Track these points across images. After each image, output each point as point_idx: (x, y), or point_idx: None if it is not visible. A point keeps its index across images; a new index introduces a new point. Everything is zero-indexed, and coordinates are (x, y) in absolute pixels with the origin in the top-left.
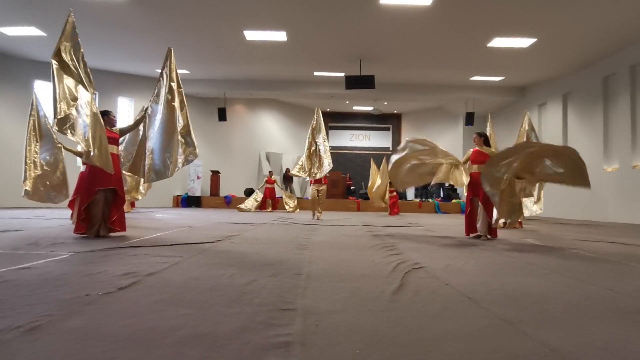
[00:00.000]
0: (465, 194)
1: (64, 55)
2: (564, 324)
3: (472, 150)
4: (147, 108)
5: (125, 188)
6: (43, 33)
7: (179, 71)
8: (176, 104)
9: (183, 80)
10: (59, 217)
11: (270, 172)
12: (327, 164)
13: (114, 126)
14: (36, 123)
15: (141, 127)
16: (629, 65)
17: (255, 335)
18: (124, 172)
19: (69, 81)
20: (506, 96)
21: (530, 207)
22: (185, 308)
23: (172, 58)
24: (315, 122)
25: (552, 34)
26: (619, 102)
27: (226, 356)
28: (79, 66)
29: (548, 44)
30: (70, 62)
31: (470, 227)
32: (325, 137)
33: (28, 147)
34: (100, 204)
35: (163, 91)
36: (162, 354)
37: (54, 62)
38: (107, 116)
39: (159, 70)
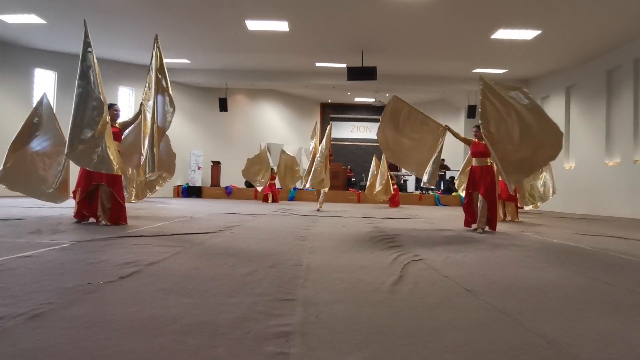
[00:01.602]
0: (465, 187)
1: (92, 75)
2: (561, 316)
3: (474, 140)
4: (141, 103)
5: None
6: (43, 21)
7: (180, 61)
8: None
9: (184, 70)
10: (60, 206)
11: (272, 170)
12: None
13: (116, 120)
14: (38, 120)
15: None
16: (633, 59)
17: (256, 324)
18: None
19: (93, 103)
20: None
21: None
22: (186, 297)
23: (158, 45)
24: (325, 136)
25: (557, 26)
26: (623, 96)
27: (227, 345)
28: (97, 80)
29: (552, 36)
30: (92, 80)
31: (469, 219)
32: (324, 150)
33: (18, 141)
34: (97, 196)
35: (153, 82)
36: (163, 342)
37: (79, 84)
38: (110, 109)
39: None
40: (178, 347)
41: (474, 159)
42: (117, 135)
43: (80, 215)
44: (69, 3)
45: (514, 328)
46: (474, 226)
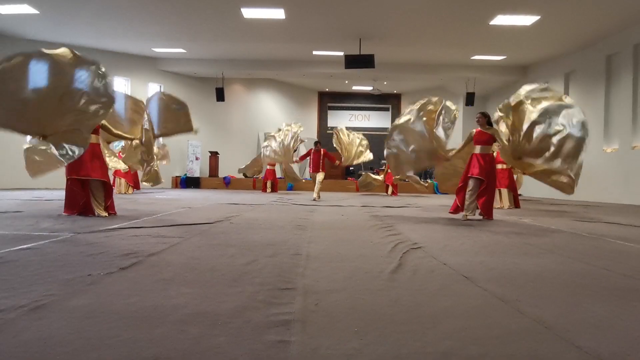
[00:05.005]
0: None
1: None
2: (559, 301)
3: (475, 130)
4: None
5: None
6: (36, 11)
7: (176, 50)
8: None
9: (180, 60)
10: (58, 199)
11: None
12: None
13: None
14: None
15: None
16: (632, 44)
17: (256, 313)
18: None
19: None
20: (508, 76)
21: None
22: (186, 287)
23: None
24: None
25: (556, 12)
26: (622, 82)
27: (228, 334)
28: None
29: (551, 21)
30: None
31: (458, 203)
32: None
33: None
34: (80, 188)
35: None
36: (164, 332)
37: None
38: None
39: (156, 49)
40: (179, 337)
41: (477, 146)
42: (94, 130)
43: (67, 211)
44: None
45: (512, 314)
46: (461, 213)
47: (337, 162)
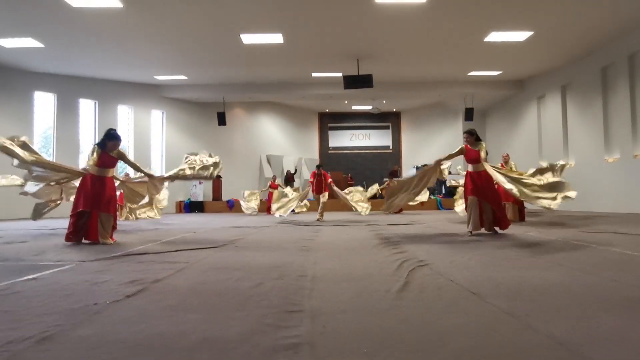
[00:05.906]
0: (464, 192)
1: None
2: (570, 316)
3: (464, 147)
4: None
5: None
6: (40, 44)
7: (177, 77)
8: None
9: (181, 86)
10: (62, 227)
11: (274, 177)
12: None
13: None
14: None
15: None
16: (627, 55)
17: (264, 337)
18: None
19: None
20: (505, 90)
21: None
22: (193, 313)
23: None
24: None
25: (549, 26)
26: (618, 92)
27: (236, 359)
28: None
29: (545, 36)
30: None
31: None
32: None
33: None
34: (94, 219)
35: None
36: (173, 359)
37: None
38: (112, 140)
39: (158, 77)
40: None
41: (469, 165)
42: (112, 164)
43: (73, 238)
44: (64, 25)
45: (522, 330)
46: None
47: (330, 180)
